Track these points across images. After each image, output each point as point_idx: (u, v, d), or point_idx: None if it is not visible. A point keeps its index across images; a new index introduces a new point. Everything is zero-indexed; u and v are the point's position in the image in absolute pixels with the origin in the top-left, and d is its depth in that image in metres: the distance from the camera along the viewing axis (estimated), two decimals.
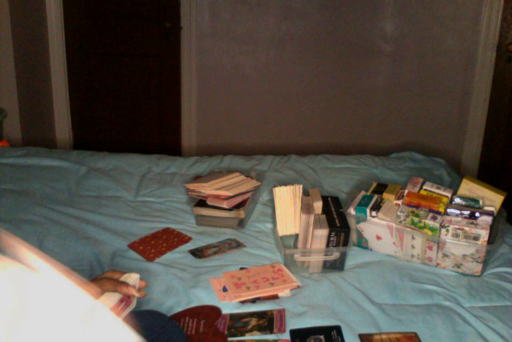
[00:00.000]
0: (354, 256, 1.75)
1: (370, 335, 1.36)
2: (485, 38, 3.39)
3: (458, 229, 1.62)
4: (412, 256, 1.72)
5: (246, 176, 2.11)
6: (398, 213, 1.69)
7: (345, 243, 1.66)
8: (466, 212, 1.67)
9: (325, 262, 1.66)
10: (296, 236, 1.73)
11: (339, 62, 3.57)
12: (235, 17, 3.51)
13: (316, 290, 1.55)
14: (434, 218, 1.65)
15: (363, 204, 1.76)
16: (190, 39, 3.53)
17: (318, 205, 1.75)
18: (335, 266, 1.67)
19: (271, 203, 2.02)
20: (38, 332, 0.57)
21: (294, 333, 1.36)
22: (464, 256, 1.64)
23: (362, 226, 1.76)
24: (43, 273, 0.61)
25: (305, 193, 1.82)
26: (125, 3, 3.51)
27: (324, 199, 1.81)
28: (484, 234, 1.60)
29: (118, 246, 1.78)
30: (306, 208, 1.69)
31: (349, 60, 3.56)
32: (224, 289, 1.54)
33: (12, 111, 3.08)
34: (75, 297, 0.62)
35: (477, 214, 1.66)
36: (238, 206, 1.94)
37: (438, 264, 1.69)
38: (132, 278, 1.06)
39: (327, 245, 1.65)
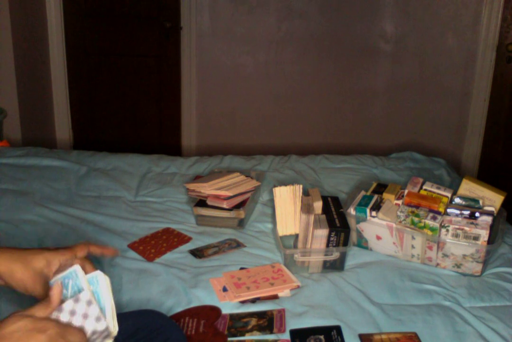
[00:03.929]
0: (354, 256, 1.75)
1: (370, 335, 1.36)
2: (485, 38, 3.39)
3: (458, 229, 1.62)
4: (412, 256, 1.72)
5: (246, 176, 2.10)
6: (398, 213, 1.69)
7: (345, 243, 1.65)
8: (466, 212, 1.67)
9: (325, 262, 1.66)
10: (296, 236, 1.73)
11: (339, 62, 3.57)
12: (235, 17, 3.51)
13: (316, 290, 1.55)
14: (434, 218, 1.65)
15: (363, 204, 1.76)
16: (190, 39, 3.53)
17: (318, 205, 1.75)
18: (335, 266, 1.67)
19: (271, 203, 2.01)
20: None
21: (294, 333, 1.36)
22: (464, 256, 1.64)
23: (362, 226, 1.76)
24: None
25: (305, 193, 1.82)
26: (125, 3, 3.51)
27: (324, 199, 1.81)
28: (484, 234, 1.60)
29: (118, 246, 1.77)
30: (306, 208, 1.69)
31: (349, 60, 3.56)
32: (224, 289, 1.54)
33: (12, 111, 3.08)
34: None
35: (477, 214, 1.66)
36: (238, 206, 1.94)
37: (438, 264, 1.69)
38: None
39: (327, 245, 1.65)
